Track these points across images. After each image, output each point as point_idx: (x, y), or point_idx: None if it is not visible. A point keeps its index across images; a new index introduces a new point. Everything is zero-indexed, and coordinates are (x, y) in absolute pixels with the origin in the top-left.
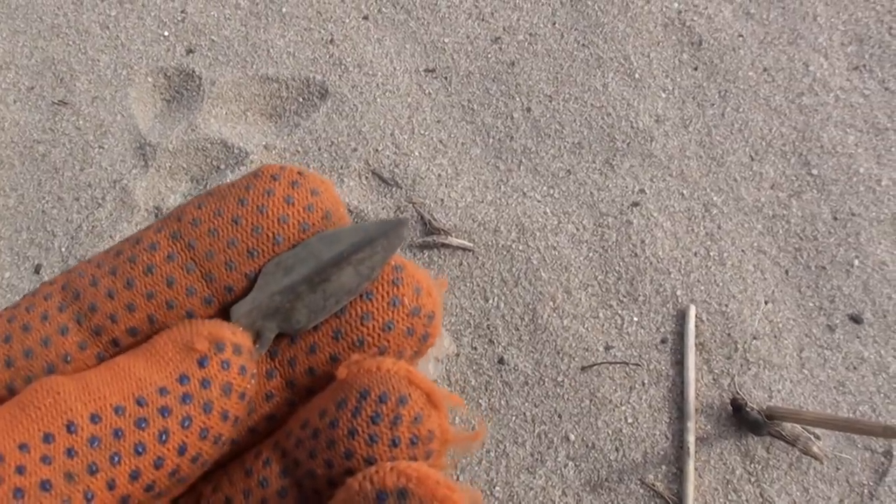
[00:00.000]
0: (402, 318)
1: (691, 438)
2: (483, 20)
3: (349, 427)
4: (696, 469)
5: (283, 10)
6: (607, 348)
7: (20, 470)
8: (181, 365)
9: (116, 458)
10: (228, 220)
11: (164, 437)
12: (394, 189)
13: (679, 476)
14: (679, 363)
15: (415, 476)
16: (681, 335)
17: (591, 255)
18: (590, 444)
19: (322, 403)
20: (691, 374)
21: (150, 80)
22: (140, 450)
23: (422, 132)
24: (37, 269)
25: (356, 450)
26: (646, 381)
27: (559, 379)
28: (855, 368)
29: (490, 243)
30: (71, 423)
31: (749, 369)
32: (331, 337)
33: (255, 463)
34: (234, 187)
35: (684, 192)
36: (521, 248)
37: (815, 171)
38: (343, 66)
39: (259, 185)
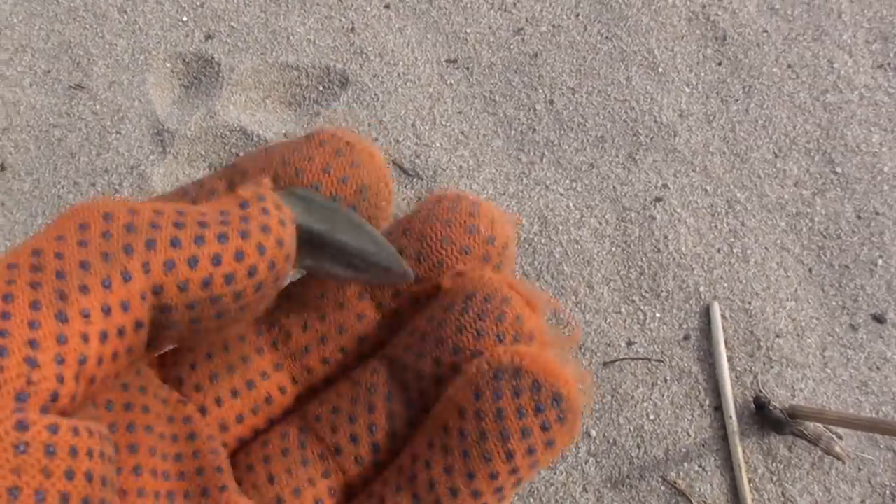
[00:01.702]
0: (478, 244)
1: (735, 428)
2: (506, 11)
3: (457, 324)
4: (718, 467)
5: None
6: (629, 344)
7: (59, 255)
8: (223, 204)
9: (152, 244)
10: (269, 178)
11: (199, 241)
12: (415, 180)
13: (701, 474)
14: (702, 360)
15: (528, 355)
16: (704, 332)
17: (613, 249)
18: (611, 441)
19: (428, 312)
20: (724, 367)
21: (168, 65)
22: (176, 243)
23: (443, 123)
24: None
25: (464, 344)
26: (668, 378)
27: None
28: (878, 368)
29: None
30: (108, 214)
31: (772, 367)
32: (414, 260)
33: (362, 373)
34: (284, 146)
35: (708, 188)
36: (543, 241)
37: (839, 170)
38: (364, 55)
39: (304, 150)
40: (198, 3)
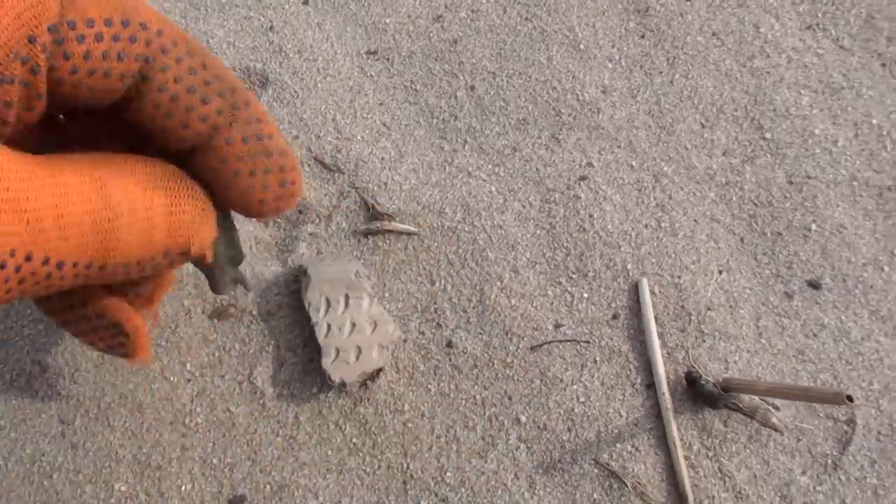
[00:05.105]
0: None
1: (668, 405)
2: None
3: None
4: (652, 446)
5: None
6: (557, 326)
7: None
8: None
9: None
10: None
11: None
12: (336, 175)
13: (635, 454)
14: (632, 338)
15: None
16: (633, 310)
17: (538, 232)
18: (541, 426)
19: None
20: (656, 344)
21: None
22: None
23: (364, 115)
24: None
25: None
26: (597, 359)
27: (508, 360)
28: (815, 335)
29: (435, 225)
30: None
31: (704, 341)
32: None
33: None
34: None
35: (633, 163)
36: (466, 228)
37: (768, 135)
38: (283, 53)
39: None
40: None
